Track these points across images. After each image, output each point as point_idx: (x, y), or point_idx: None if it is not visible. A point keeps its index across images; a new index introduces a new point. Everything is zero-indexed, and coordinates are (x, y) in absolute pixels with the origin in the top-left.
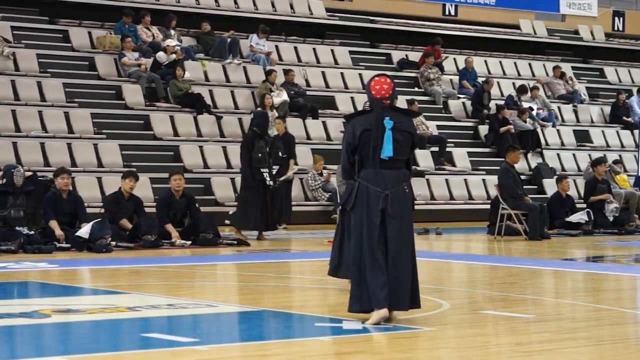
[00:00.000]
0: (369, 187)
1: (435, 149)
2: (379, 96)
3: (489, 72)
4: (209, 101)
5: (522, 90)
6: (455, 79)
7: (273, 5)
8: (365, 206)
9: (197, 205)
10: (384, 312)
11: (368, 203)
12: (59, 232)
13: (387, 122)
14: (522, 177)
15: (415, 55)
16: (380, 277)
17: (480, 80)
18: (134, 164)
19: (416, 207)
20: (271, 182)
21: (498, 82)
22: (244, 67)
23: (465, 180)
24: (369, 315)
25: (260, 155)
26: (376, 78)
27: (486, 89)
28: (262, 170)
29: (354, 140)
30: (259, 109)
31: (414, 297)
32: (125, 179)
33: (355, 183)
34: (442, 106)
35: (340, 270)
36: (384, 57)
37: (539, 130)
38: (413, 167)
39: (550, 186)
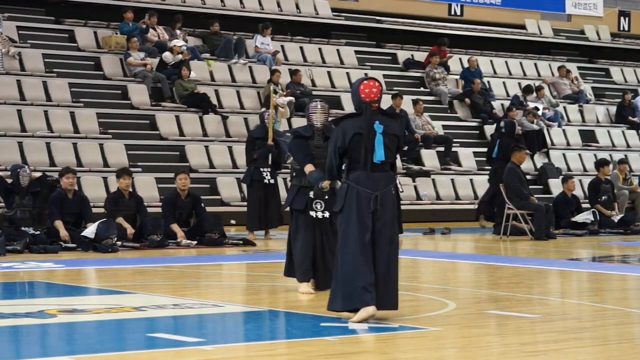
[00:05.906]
0: (359, 189)
1: (441, 148)
2: (368, 99)
3: (495, 72)
4: (214, 101)
5: (527, 90)
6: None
7: (279, 5)
8: (355, 208)
9: (202, 205)
10: (372, 309)
11: (359, 205)
12: (63, 232)
13: (378, 127)
14: (528, 177)
15: (421, 55)
16: (370, 277)
17: (486, 79)
18: (139, 163)
19: (422, 207)
20: (272, 180)
21: (504, 82)
22: (250, 67)
23: (471, 180)
24: (349, 314)
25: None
26: (365, 81)
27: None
28: (261, 169)
29: (343, 144)
30: (263, 108)
31: (397, 298)
32: (120, 178)
33: (343, 185)
34: (447, 106)
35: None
36: (390, 57)
37: (544, 130)
38: (419, 166)
39: (556, 186)
